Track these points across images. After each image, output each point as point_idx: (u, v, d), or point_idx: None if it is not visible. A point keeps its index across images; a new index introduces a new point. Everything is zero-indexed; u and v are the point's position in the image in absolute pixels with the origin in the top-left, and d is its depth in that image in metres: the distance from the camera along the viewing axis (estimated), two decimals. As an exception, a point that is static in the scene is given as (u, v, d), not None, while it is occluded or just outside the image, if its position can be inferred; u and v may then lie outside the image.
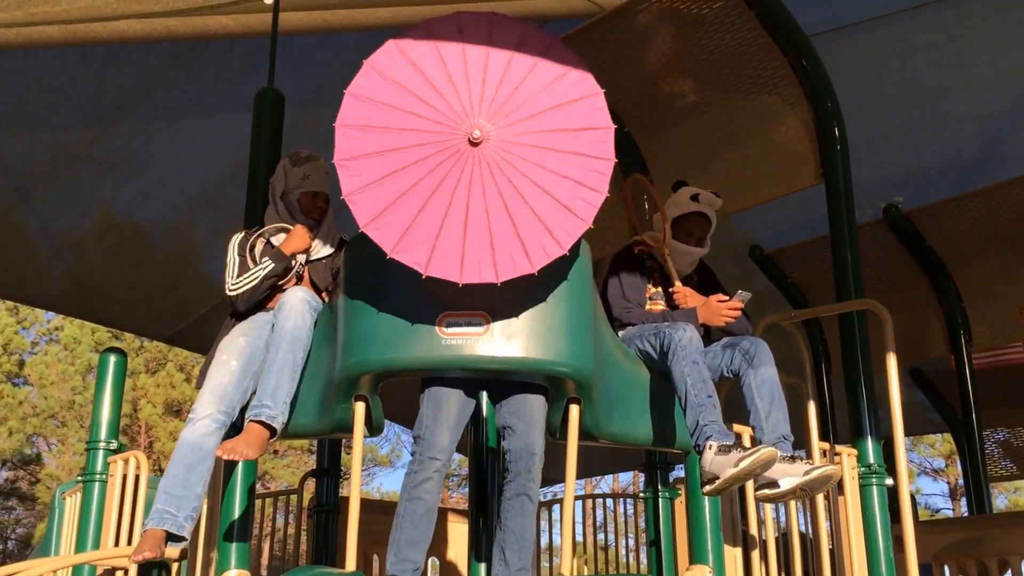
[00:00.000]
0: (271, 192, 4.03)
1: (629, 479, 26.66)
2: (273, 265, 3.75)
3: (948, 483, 27.44)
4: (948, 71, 7.21)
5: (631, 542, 8.33)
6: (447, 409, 3.27)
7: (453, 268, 2.95)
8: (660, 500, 5.54)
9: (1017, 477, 12.05)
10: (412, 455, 3.30)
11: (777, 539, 4.77)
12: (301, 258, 3.85)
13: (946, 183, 8.01)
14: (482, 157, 2.94)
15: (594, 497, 7.71)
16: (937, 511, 27.44)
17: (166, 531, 3.31)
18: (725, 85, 5.51)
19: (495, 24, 3.04)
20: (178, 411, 24.19)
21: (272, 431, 3.32)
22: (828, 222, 4.94)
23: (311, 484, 6.00)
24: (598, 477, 25.54)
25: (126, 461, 4.48)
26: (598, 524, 8.16)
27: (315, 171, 3.95)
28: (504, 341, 3.08)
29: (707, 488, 3.21)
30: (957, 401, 8.62)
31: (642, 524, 8.31)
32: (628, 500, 8.27)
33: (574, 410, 3.25)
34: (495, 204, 2.94)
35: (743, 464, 3.09)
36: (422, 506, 3.22)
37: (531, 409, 3.34)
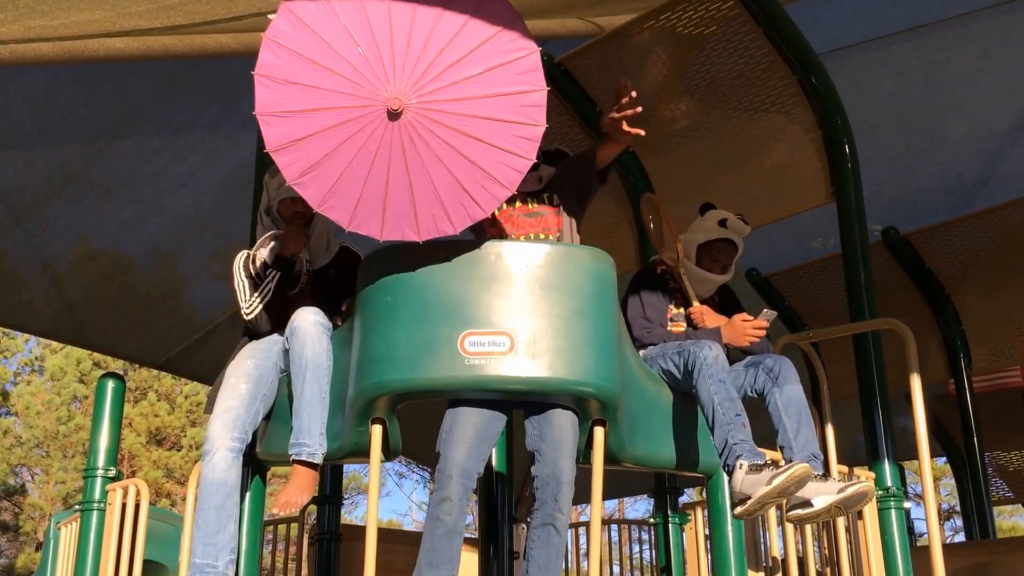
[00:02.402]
0: (259, 212, 3.97)
1: (615, 506, 26.48)
2: (280, 273, 3.65)
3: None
4: (946, 92, 7.21)
5: (616, 569, 8.21)
6: (464, 424, 3.12)
7: (375, 226, 2.94)
8: (670, 526, 5.43)
9: (1011, 501, 11.96)
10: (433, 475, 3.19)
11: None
12: (305, 257, 3.76)
13: (945, 205, 7.99)
14: (401, 125, 2.84)
15: (608, 523, 7.57)
16: (921, 535, 27.38)
17: None
18: (732, 103, 5.45)
19: None
20: (161, 440, 23.92)
21: (316, 467, 3.29)
22: (840, 241, 4.87)
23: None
24: (584, 505, 25.34)
25: (125, 490, 4.33)
26: (583, 552, 8.05)
27: None
28: (529, 360, 2.96)
29: (738, 509, 3.09)
30: (955, 425, 8.56)
31: (627, 551, 8.22)
32: (612, 527, 8.17)
33: (599, 432, 3.14)
34: (416, 168, 2.88)
35: (776, 481, 2.97)
36: (441, 527, 3.07)
37: (560, 433, 3.15)
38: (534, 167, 3.22)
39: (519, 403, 3.26)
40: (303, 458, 3.26)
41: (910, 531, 7.01)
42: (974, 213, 7.64)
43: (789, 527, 4.07)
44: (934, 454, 12.96)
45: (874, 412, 4.50)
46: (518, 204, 3.58)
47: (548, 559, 3.11)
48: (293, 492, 3.22)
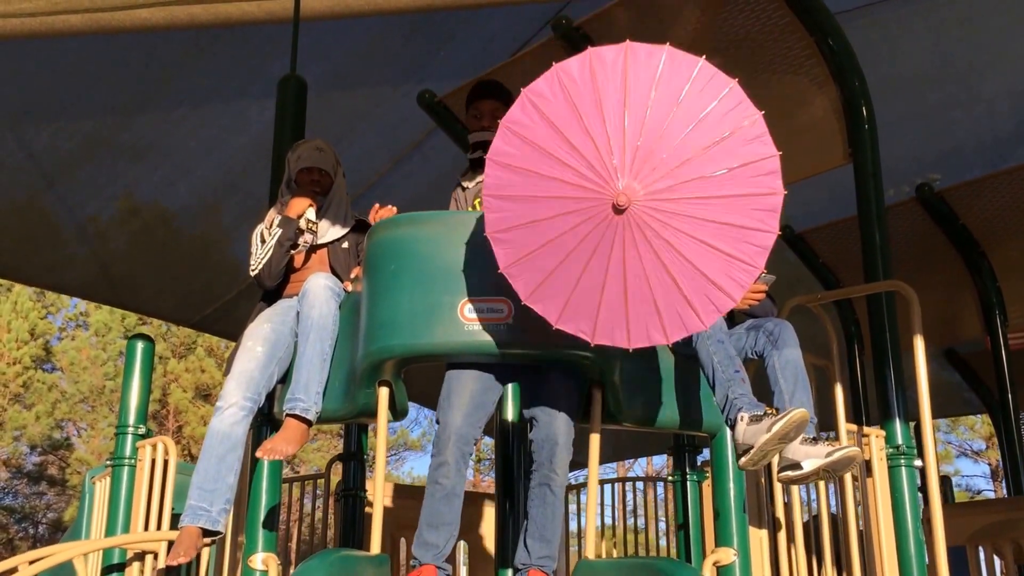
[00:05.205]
0: (280, 189, 4.16)
1: (663, 461, 26.65)
2: (281, 231, 3.82)
3: (989, 464, 27.15)
4: (982, 47, 7.09)
5: (663, 525, 8.31)
6: (461, 391, 3.27)
7: (620, 335, 2.79)
8: (688, 483, 5.52)
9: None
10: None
11: (807, 523, 4.74)
12: (311, 214, 3.91)
13: (980, 161, 7.89)
14: (631, 221, 2.64)
15: (624, 480, 7.69)
16: (979, 492, 27.24)
17: (201, 527, 3.38)
18: (751, 65, 5.42)
19: (631, 56, 2.68)
20: (207, 395, 24.36)
21: (308, 423, 3.40)
22: (856, 203, 4.87)
23: (336, 467, 6.02)
24: (631, 460, 25.53)
25: (154, 446, 4.52)
26: (630, 507, 8.15)
27: (306, 149, 4.03)
28: (525, 326, 3.06)
29: (743, 459, 3.20)
30: (993, 382, 8.49)
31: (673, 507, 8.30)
32: (662, 483, 8.23)
33: (597, 394, 3.24)
34: (652, 266, 2.69)
35: (776, 427, 3.07)
36: (440, 490, 3.22)
37: (554, 398, 3.31)
38: None
39: (516, 372, 3.38)
40: (296, 412, 3.39)
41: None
42: (1008, 169, 7.51)
43: (795, 489, 4.14)
44: (976, 411, 12.87)
45: (886, 371, 4.51)
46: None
47: (545, 518, 3.26)
48: (279, 442, 3.34)
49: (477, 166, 3.76)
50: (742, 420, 3.20)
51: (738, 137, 2.65)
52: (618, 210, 2.62)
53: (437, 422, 3.31)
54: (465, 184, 3.90)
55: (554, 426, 3.26)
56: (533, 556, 3.27)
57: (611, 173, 2.63)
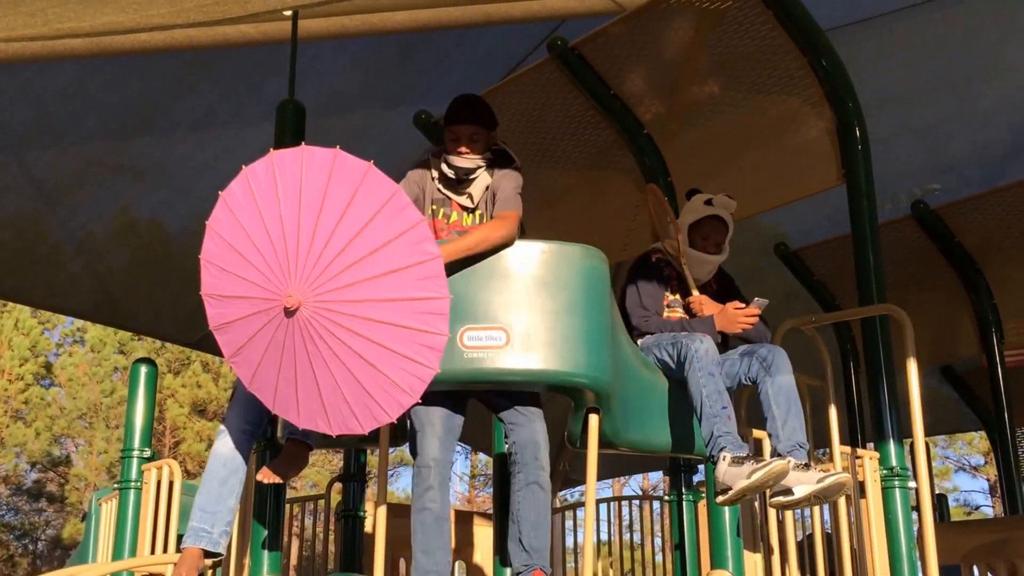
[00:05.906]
0: None
1: (659, 477, 26.65)
2: None
3: (988, 480, 27.13)
4: (978, 61, 7.12)
5: (659, 541, 8.32)
6: (432, 421, 3.29)
7: (323, 423, 2.94)
8: (684, 503, 5.54)
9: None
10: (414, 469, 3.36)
11: (800, 542, 4.77)
12: None
13: (976, 177, 7.91)
14: (300, 323, 2.79)
15: (620, 499, 7.71)
16: (976, 508, 27.21)
17: (202, 549, 3.43)
18: (746, 85, 5.47)
19: (338, 164, 2.77)
20: (203, 411, 24.34)
21: (308, 447, 3.48)
22: (850, 224, 4.90)
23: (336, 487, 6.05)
24: (626, 476, 25.52)
25: (159, 469, 4.55)
26: (625, 524, 8.18)
27: None
28: (524, 353, 3.11)
29: (720, 498, 3.26)
30: (990, 399, 8.51)
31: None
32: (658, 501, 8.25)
33: (593, 419, 3.28)
34: (320, 367, 2.84)
35: (755, 476, 3.13)
36: (429, 515, 3.26)
37: (529, 407, 3.37)
38: (466, 181, 3.42)
39: (485, 396, 3.41)
40: (296, 436, 3.49)
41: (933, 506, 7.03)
42: (1005, 186, 7.52)
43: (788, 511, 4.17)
44: (973, 428, 12.86)
45: (880, 393, 4.54)
46: (453, 219, 3.57)
47: (538, 516, 3.28)
48: (279, 466, 3.46)
49: (451, 185, 3.59)
50: (724, 459, 3.27)
51: (403, 241, 2.76)
52: (289, 312, 2.77)
53: (413, 454, 3.34)
54: (440, 187, 3.62)
55: (535, 426, 3.32)
56: (533, 556, 3.29)
57: (283, 275, 2.78)
